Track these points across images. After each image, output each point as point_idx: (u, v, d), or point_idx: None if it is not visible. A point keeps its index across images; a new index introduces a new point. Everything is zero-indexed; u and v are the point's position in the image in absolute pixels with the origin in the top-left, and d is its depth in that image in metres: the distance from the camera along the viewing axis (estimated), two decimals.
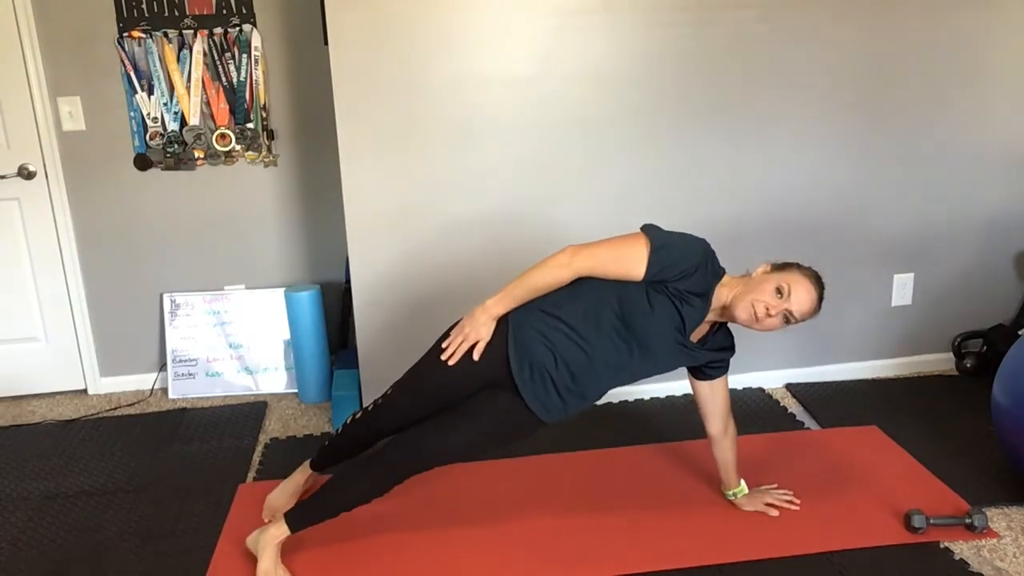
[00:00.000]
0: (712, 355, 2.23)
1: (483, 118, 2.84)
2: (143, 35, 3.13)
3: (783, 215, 3.11)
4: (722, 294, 2.12)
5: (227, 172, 3.31)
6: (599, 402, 2.89)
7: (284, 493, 2.45)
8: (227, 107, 3.24)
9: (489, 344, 2.14)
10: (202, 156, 3.26)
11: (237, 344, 3.43)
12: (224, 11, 3.14)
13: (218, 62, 3.18)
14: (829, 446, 2.80)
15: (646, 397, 3.22)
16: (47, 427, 3.15)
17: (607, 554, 2.26)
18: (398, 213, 2.88)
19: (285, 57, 3.24)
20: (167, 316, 3.40)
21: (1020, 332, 3.25)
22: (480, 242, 2.95)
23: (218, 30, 3.15)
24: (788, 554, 2.24)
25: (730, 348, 2.27)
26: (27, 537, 2.41)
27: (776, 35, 2.92)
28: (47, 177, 3.21)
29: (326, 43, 2.75)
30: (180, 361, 3.40)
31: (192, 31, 3.14)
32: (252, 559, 2.19)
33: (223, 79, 3.21)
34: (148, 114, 3.20)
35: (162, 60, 3.16)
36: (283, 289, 3.40)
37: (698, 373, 2.30)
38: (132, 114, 3.20)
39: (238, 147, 3.27)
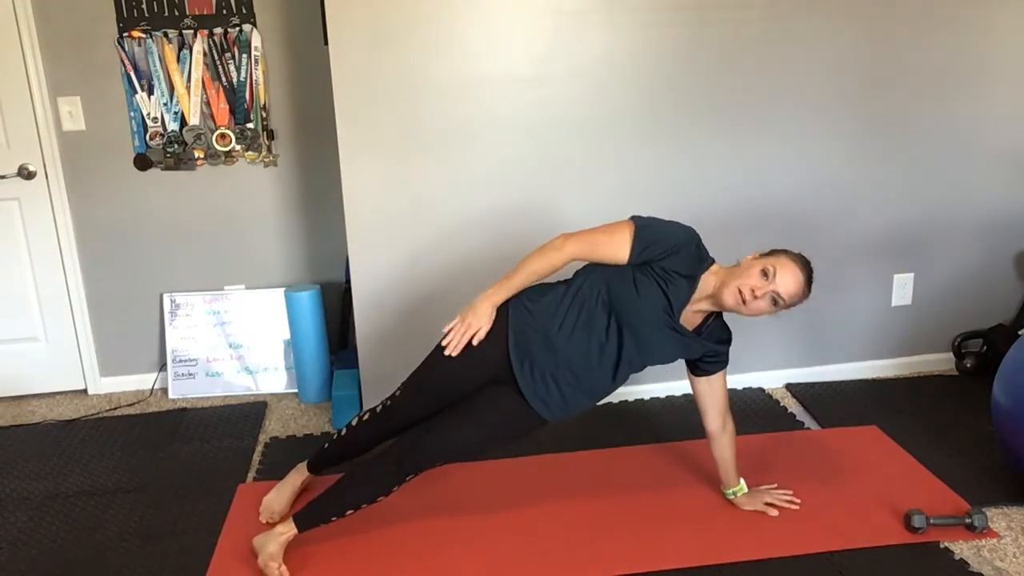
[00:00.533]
0: (708, 346, 2.23)
1: (483, 118, 2.84)
2: (143, 35, 3.13)
3: (783, 214, 3.11)
4: (710, 281, 2.15)
5: (227, 172, 3.31)
6: (599, 402, 2.89)
7: (281, 495, 2.45)
8: (227, 107, 3.24)
9: (490, 344, 2.16)
10: (202, 156, 3.26)
11: (237, 344, 3.43)
12: (224, 11, 3.14)
13: (218, 62, 3.18)
14: (829, 446, 2.80)
15: (646, 397, 3.22)
16: (47, 427, 3.15)
17: (607, 554, 2.26)
18: (398, 213, 2.88)
19: (285, 57, 3.24)
20: (167, 316, 3.40)
21: (1020, 332, 3.25)
22: (480, 242, 2.95)
23: (218, 30, 3.15)
24: (788, 554, 2.24)
25: (726, 341, 2.28)
26: (27, 537, 2.41)
27: (775, 35, 2.92)
28: (47, 177, 3.21)
29: (326, 43, 2.75)
30: (180, 361, 3.40)
31: (192, 31, 3.14)
32: (252, 559, 2.19)
33: (223, 79, 3.21)
34: (148, 114, 3.20)
35: (162, 60, 3.16)
36: (283, 289, 3.40)
37: (696, 369, 2.31)
38: (132, 114, 3.20)
39: (238, 147, 3.27)
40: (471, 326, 2.15)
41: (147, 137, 3.22)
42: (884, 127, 3.10)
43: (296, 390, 3.40)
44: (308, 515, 2.20)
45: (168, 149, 3.23)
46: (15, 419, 3.24)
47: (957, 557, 2.22)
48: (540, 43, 2.80)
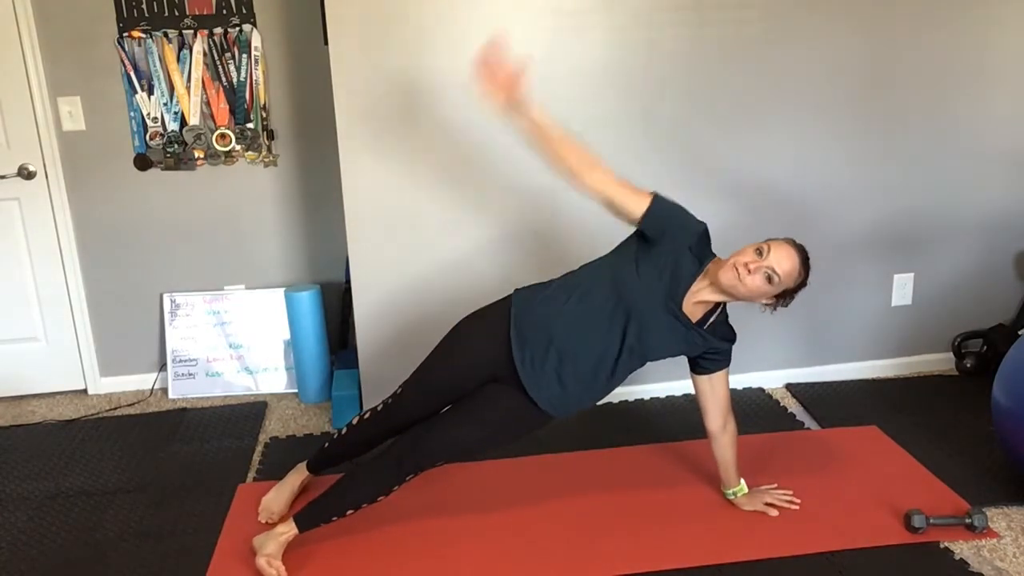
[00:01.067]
0: (711, 341, 2.23)
1: (483, 118, 2.83)
2: (143, 35, 3.13)
3: (783, 214, 3.11)
4: (711, 269, 2.17)
5: (227, 172, 3.31)
6: (599, 402, 2.89)
7: (280, 495, 2.45)
8: (227, 107, 3.24)
9: (491, 341, 2.18)
10: (202, 156, 3.26)
11: (237, 344, 3.43)
12: (224, 11, 3.14)
13: (218, 62, 3.18)
14: (829, 446, 2.80)
15: (646, 397, 3.22)
16: (47, 427, 3.15)
17: (607, 554, 2.26)
18: (398, 213, 2.88)
19: (285, 57, 3.24)
20: (167, 316, 3.40)
21: (1020, 332, 3.25)
22: (480, 241, 2.95)
23: (218, 30, 3.15)
24: (788, 554, 2.24)
25: (730, 340, 2.29)
26: (27, 537, 2.41)
27: (776, 35, 2.92)
28: (47, 177, 3.21)
29: (326, 43, 2.76)
30: (180, 361, 3.40)
31: (192, 31, 3.14)
32: (252, 559, 2.19)
33: (223, 79, 3.21)
34: (148, 114, 3.20)
35: (162, 60, 3.16)
36: (283, 289, 3.40)
37: (697, 367, 2.31)
38: (132, 114, 3.20)
39: (238, 147, 3.27)
40: (493, 75, 2.07)
41: (147, 137, 3.23)
42: (884, 127, 3.11)
43: (296, 390, 3.40)
44: (309, 515, 2.21)
45: (168, 149, 3.23)
46: (15, 419, 3.24)
47: (957, 557, 2.22)
48: (540, 43, 2.80)
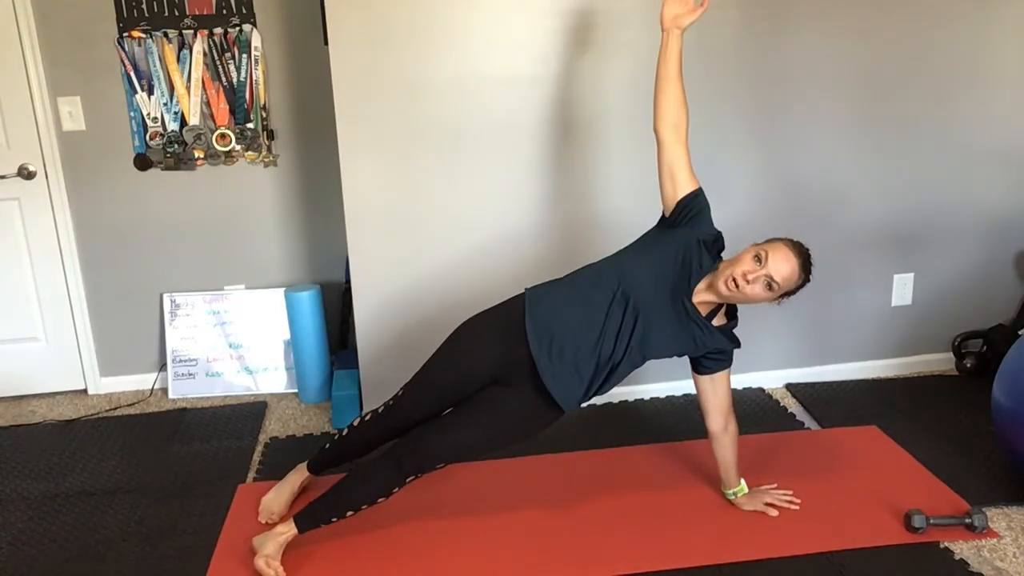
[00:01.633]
0: (716, 338, 2.22)
1: (483, 118, 2.84)
2: (143, 35, 3.13)
3: (783, 214, 3.11)
4: (716, 272, 2.18)
5: (227, 172, 3.31)
6: (598, 401, 2.90)
7: (280, 495, 2.45)
8: (227, 107, 3.24)
9: (495, 344, 2.18)
10: (202, 156, 3.26)
11: (237, 344, 3.43)
12: (224, 11, 3.14)
13: (218, 62, 3.18)
14: (829, 446, 2.80)
15: (646, 397, 3.22)
16: (47, 427, 3.15)
17: (607, 554, 2.26)
18: (398, 213, 2.88)
19: (285, 57, 3.24)
20: (167, 316, 3.40)
21: (1020, 332, 3.25)
22: (480, 241, 2.95)
23: (218, 30, 3.15)
24: (788, 554, 2.24)
25: (733, 342, 2.28)
26: (27, 537, 2.41)
27: (777, 35, 2.92)
28: (47, 177, 3.21)
29: (326, 43, 2.75)
30: (180, 361, 3.40)
31: (192, 31, 3.14)
32: (252, 559, 2.19)
33: (223, 79, 3.21)
34: (148, 114, 3.20)
35: (162, 60, 3.16)
36: (283, 289, 3.40)
37: (699, 367, 2.31)
38: (132, 114, 3.20)
39: (238, 147, 3.27)
40: None
41: (147, 137, 3.23)
42: (884, 127, 3.10)
43: (296, 390, 3.40)
44: (309, 515, 2.21)
45: (168, 149, 3.23)
46: (15, 419, 3.24)
47: (957, 557, 2.22)
48: (540, 43, 2.80)
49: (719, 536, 2.33)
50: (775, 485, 2.53)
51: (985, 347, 3.33)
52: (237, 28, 3.16)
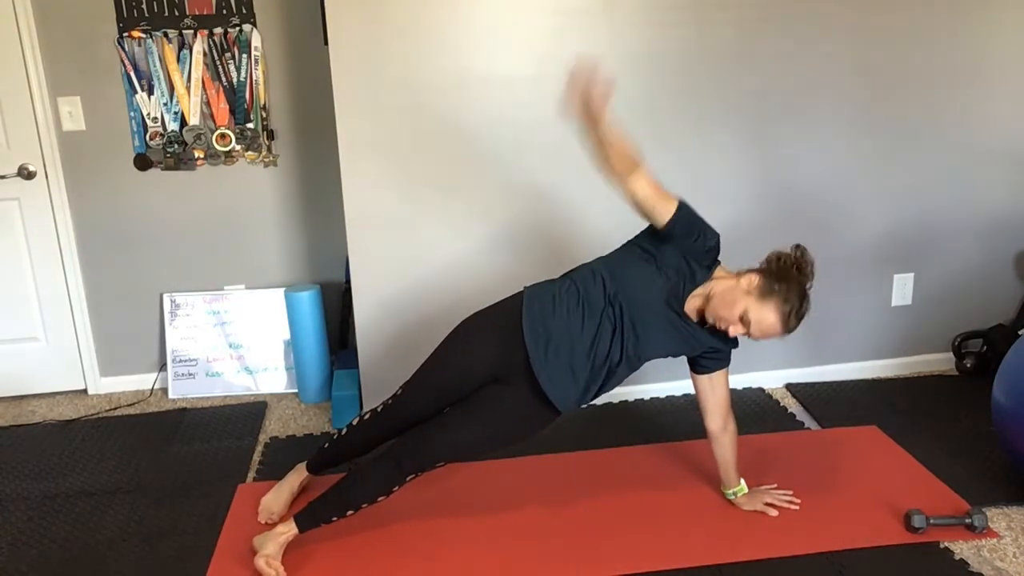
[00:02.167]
0: (707, 341, 2.22)
1: (483, 118, 2.84)
2: (143, 35, 3.13)
3: (783, 215, 3.11)
4: (709, 284, 2.17)
5: (227, 172, 3.31)
6: (599, 402, 2.90)
7: (279, 495, 2.45)
8: (227, 107, 3.24)
9: (497, 338, 2.19)
10: (202, 156, 3.26)
11: (237, 344, 3.43)
12: (224, 11, 3.14)
13: (218, 62, 3.18)
14: (829, 446, 2.80)
15: (646, 397, 3.22)
16: (47, 427, 3.15)
17: (607, 554, 2.26)
18: (398, 213, 2.88)
19: (285, 57, 3.24)
20: (167, 316, 3.40)
21: (1020, 332, 3.25)
22: (480, 241, 2.95)
23: (218, 30, 3.15)
24: (788, 554, 2.24)
25: (730, 342, 2.28)
26: (27, 537, 2.41)
27: (777, 36, 2.92)
28: (47, 177, 3.21)
29: (326, 43, 2.75)
30: (180, 361, 3.40)
31: (192, 31, 3.14)
32: (252, 559, 2.19)
33: (223, 79, 3.21)
34: (148, 114, 3.20)
35: (162, 60, 3.16)
36: (283, 289, 3.40)
37: (697, 366, 2.31)
38: (132, 114, 3.20)
39: (238, 147, 3.27)
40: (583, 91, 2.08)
41: (147, 137, 3.22)
42: (884, 127, 3.10)
43: (296, 390, 3.40)
44: (309, 515, 2.21)
45: (168, 149, 3.23)
46: (15, 419, 3.24)
47: (957, 557, 2.22)
48: (540, 43, 2.80)
49: (719, 536, 2.33)
50: (775, 485, 2.53)
51: (985, 347, 3.33)
52: (237, 28, 3.16)
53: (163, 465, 2.81)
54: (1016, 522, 2.38)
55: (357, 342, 3.00)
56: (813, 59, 2.97)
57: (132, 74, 3.14)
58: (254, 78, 3.22)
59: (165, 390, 3.44)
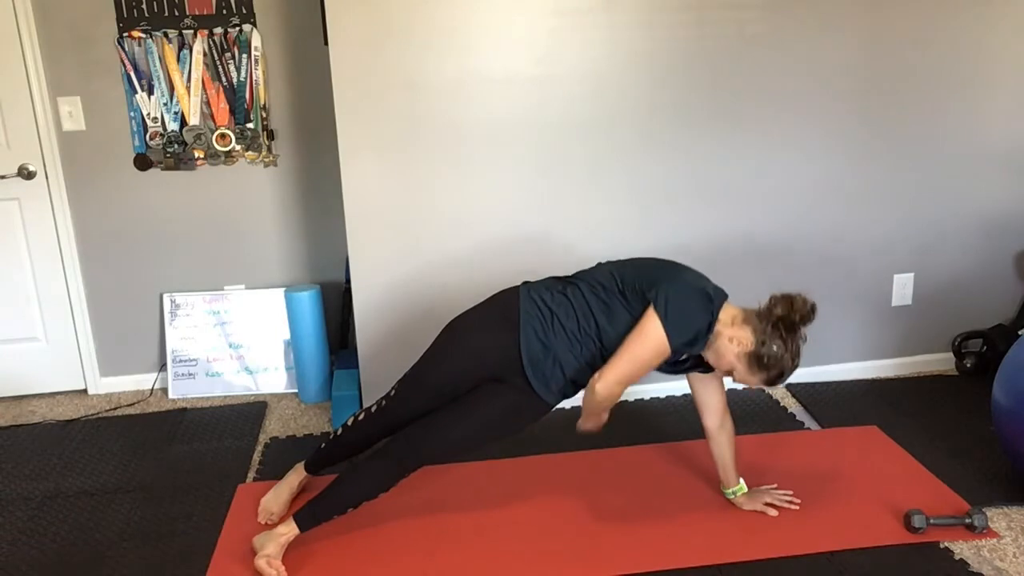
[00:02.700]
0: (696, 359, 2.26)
1: (483, 118, 2.84)
2: (143, 35, 3.13)
3: (784, 215, 3.11)
4: (715, 339, 2.16)
5: (227, 172, 3.31)
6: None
7: (278, 495, 2.45)
8: (227, 107, 3.24)
9: (494, 335, 2.19)
10: (202, 156, 3.26)
11: (237, 344, 3.43)
12: (224, 11, 3.14)
13: (218, 62, 3.18)
14: (829, 446, 2.80)
15: (646, 397, 3.22)
16: (47, 427, 3.15)
17: (607, 554, 2.26)
18: (398, 213, 2.88)
19: (285, 57, 3.24)
20: (167, 316, 3.40)
21: (1020, 332, 3.25)
22: (480, 241, 2.95)
23: (218, 30, 3.15)
24: (788, 554, 2.24)
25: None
26: (27, 537, 2.41)
27: (776, 36, 2.92)
28: (47, 177, 3.21)
29: (326, 43, 2.75)
30: (180, 361, 3.40)
31: (192, 31, 3.14)
32: (252, 559, 2.19)
33: (223, 79, 3.21)
34: (148, 114, 3.20)
35: (162, 60, 3.16)
36: (283, 289, 3.40)
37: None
38: (132, 114, 3.20)
39: (238, 147, 3.27)
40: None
41: (147, 137, 3.23)
42: (884, 127, 3.10)
43: (296, 390, 3.40)
44: (309, 514, 2.21)
45: (168, 149, 3.23)
46: (15, 419, 3.24)
47: (957, 557, 2.22)
48: (540, 43, 2.80)
49: (719, 536, 2.33)
50: (775, 485, 2.52)
51: (985, 347, 3.33)
52: (237, 28, 3.16)
53: (163, 465, 2.81)
54: (1016, 522, 2.38)
55: (357, 342, 3.00)
56: (813, 59, 2.97)
57: (132, 74, 3.14)
58: (254, 78, 3.22)
59: (165, 390, 3.44)
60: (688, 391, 2.83)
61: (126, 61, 3.14)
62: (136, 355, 3.46)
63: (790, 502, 2.44)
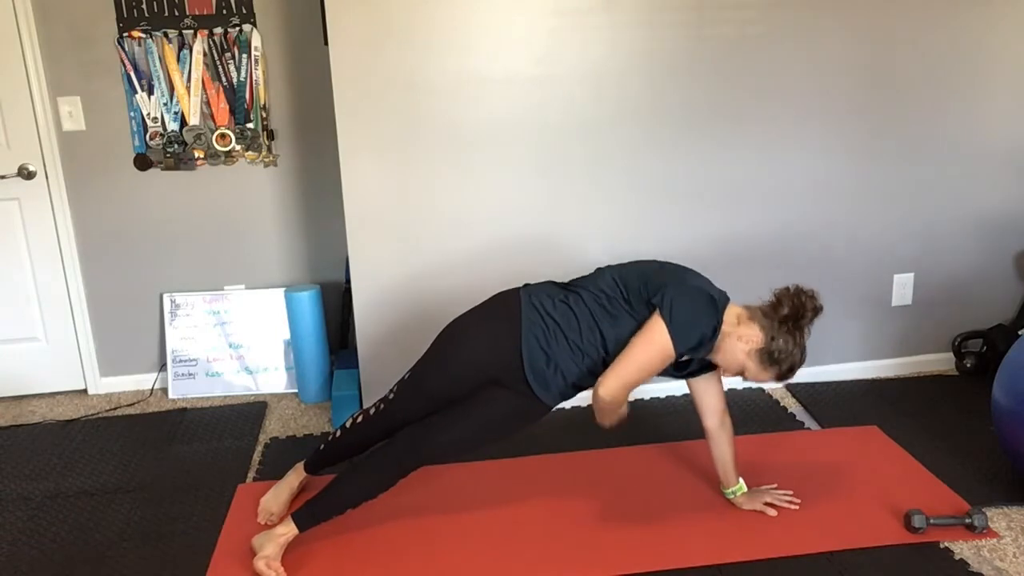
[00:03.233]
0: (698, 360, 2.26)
1: (483, 118, 2.84)
2: (143, 35, 3.13)
3: (784, 215, 3.11)
4: (721, 340, 2.16)
5: (227, 172, 3.31)
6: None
7: (278, 496, 2.45)
8: (227, 107, 3.24)
9: (493, 338, 2.19)
10: (202, 156, 3.26)
11: (237, 344, 3.43)
12: (224, 11, 3.14)
13: (218, 62, 3.18)
14: (829, 446, 2.80)
15: (646, 397, 3.22)
16: (47, 427, 3.15)
17: (607, 554, 2.26)
18: (398, 213, 2.88)
19: (285, 57, 3.24)
20: (167, 316, 3.40)
21: (1020, 332, 3.25)
22: (480, 241, 2.95)
23: (218, 30, 3.15)
24: (788, 554, 2.24)
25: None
26: (27, 537, 2.41)
27: (776, 36, 2.92)
28: (47, 177, 3.21)
29: (326, 43, 2.76)
30: (180, 361, 3.40)
31: (192, 31, 3.14)
32: (252, 559, 2.19)
33: (223, 79, 3.21)
34: (148, 114, 3.20)
35: (162, 60, 3.16)
36: (283, 289, 3.40)
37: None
38: (132, 114, 3.20)
39: (238, 147, 3.27)
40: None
41: (147, 137, 3.23)
42: (884, 127, 3.10)
43: (296, 390, 3.40)
44: (308, 514, 2.21)
45: (168, 149, 3.23)
46: (15, 419, 3.24)
47: (957, 557, 2.22)
48: (540, 43, 2.80)
49: (719, 536, 2.33)
50: (775, 485, 2.52)
51: (985, 347, 3.33)
52: (237, 28, 3.16)
53: (163, 465, 2.81)
54: (1016, 522, 2.38)
55: (357, 342, 3.00)
56: (813, 59, 2.97)
57: (132, 74, 3.14)
58: (254, 78, 3.22)
59: (165, 390, 3.44)
60: (688, 391, 2.84)
61: (126, 61, 3.14)
62: (136, 355, 3.46)
63: (790, 502, 2.44)
